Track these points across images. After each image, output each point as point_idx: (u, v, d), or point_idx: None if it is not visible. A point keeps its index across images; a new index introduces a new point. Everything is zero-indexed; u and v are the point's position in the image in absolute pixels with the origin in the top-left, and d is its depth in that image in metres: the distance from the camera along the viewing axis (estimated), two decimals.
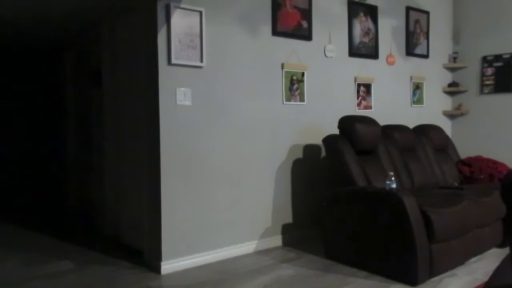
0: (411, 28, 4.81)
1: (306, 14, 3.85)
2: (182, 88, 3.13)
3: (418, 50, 4.89)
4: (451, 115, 5.28)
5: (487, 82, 4.96)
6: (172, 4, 3.02)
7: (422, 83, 4.92)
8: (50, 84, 6.74)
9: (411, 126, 4.30)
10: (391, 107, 4.60)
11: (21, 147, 6.60)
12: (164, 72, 3.04)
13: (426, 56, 4.98)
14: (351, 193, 3.18)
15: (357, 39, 4.28)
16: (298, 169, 3.84)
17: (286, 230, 3.77)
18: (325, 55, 4.02)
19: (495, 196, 3.36)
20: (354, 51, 4.25)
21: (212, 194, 3.30)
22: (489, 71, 4.94)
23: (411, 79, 4.81)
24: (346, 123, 3.56)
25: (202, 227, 3.25)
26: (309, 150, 3.92)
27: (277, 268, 3.13)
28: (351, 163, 3.36)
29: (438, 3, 5.12)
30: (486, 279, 2.64)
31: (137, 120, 3.41)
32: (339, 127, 3.62)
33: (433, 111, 5.08)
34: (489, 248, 3.40)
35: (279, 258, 3.38)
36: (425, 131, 4.27)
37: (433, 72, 5.08)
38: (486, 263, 3.18)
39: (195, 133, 3.20)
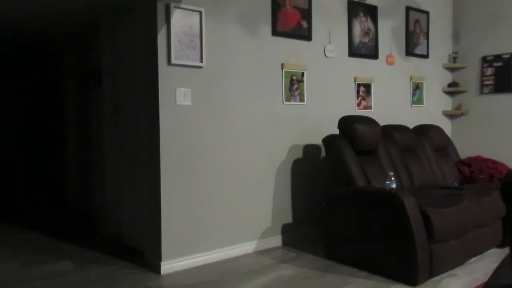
0: (411, 28, 4.81)
1: (306, 14, 3.85)
2: (182, 88, 3.13)
3: (418, 50, 4.89)
4: (451, 115, 5.28)
5: (487, 82, 4.96)
6: (172, 4, 3.02)
7: (422, 83, 4.92)
8: (50, 84, 6.74)
9: (411, 126, 4.30)
10: (391, 107, 4.60)
11: (21, 147, 6.59)
12: (164, 72, 3.04)
13: (426, 56, 4.98)
14: (351, 193, 3.18)
15: (357, 39, 4.28)
16: (298, 169, 3.84)
17: (286, 230, 3.77)
18: (325, 55, 4.02)
19: (495, 196, 3.36)
20: (354, 51, 4.25)
21: (212, 194, 3.30)
22: (489, 71, 4.94)
23: (411, 79, 4.82)
24: (346, 123, 3.56)
25: (202, 227, 3.25)
26: (309, 150, 3.92)
27: (277, 268, 3.13)
28: (351, 163, 3.36)
29: (438, 3, 5.12)
30: (486, 279, 2.64)
31: (137, 120, 3.41)
32: (339, 127, 3.62)
33: (433, 111, 5.08)
34: (489, 248, 3.40)
35: (279, 258, 3.38)
36: (425, 131, 4.27)
37: (433, 72, 5.08)
38: (486, 263, 3.18)
39: (195, 133, 3.20)
